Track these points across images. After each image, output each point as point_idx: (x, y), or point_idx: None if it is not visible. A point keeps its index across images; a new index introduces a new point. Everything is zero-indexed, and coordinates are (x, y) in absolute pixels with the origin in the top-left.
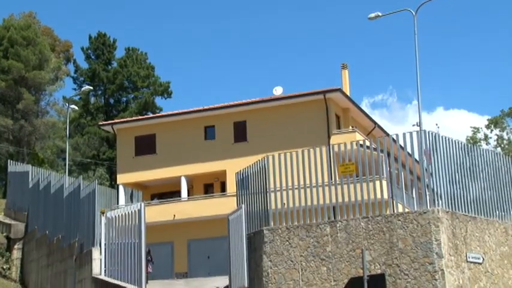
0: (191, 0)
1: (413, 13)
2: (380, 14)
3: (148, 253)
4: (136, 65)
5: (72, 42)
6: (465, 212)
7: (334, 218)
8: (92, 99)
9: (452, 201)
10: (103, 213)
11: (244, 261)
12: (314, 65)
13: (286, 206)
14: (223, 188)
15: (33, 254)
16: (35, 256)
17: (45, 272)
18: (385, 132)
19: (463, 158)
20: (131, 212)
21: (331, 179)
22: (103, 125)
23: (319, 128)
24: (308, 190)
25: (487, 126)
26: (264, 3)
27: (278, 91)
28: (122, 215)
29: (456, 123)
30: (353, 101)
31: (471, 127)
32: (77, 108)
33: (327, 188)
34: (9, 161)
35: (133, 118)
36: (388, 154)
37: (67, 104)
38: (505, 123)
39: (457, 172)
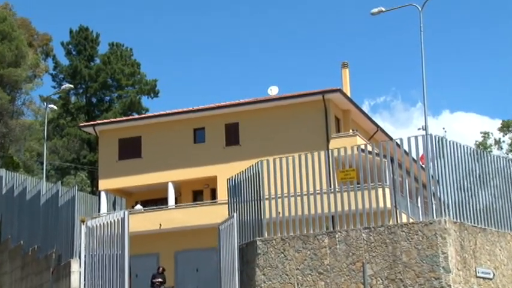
0: None
1: (419, 8)
2: (383, 9)
3: (161, 273)
4: (121, 61)
5: (51, 35)
6: (474, 223)
7: (333, 228)
8: (73, 98)
9: (461, 211)
10: (83, 221)
11: (235, 275)
12: (312, 63)
13: (281, 215)
14: (213, 195)
15: (6, 266)
16: (8, 269)
17: (19, 286)
18: (388, 136)
19: (472, 165)
20: (114, 220)
21: (330, 187)
22: (84, 126)
23: (318, 131)
24: (305, 198)
25: (500, 129)
26: None
27: (273, 91)
28: (103, 223)
29: (464, 127)
30: (354, 102)
31: (481, 132)
32: (55, 107)
33: (325, 196)
34: None
35: (117, 119)
36: (392, 160)
37: (45, 104)
38: None
39: (466, 180)
